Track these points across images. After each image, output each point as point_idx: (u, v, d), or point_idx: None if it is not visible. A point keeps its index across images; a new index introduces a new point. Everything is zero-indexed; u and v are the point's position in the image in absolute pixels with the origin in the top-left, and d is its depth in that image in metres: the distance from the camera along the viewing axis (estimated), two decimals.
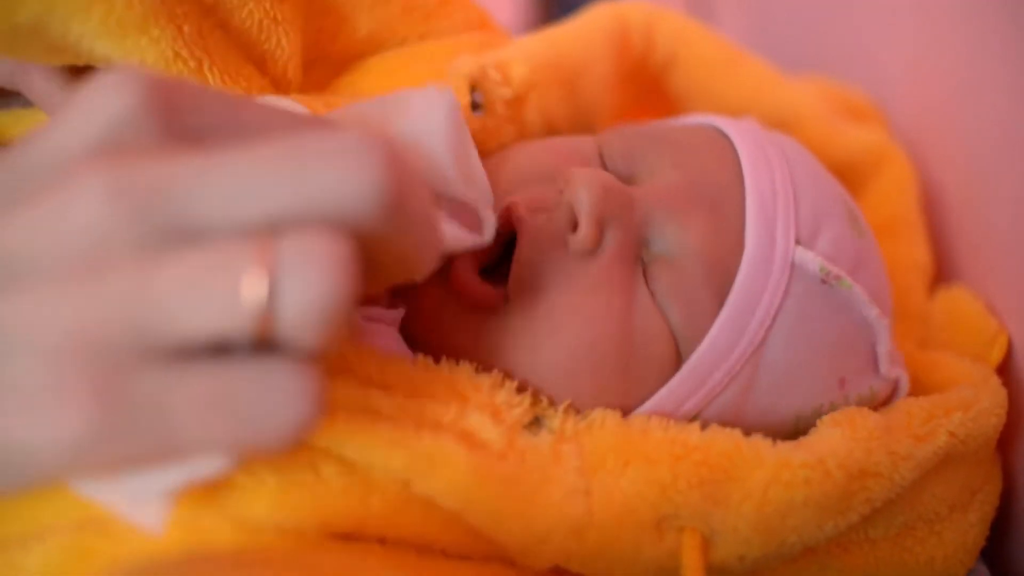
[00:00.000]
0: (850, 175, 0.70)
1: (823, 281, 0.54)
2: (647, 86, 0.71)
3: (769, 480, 0.49)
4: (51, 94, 0.53)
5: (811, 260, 0.53)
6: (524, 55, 0.62)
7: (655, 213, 0.53)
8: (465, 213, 0.50)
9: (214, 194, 0.35)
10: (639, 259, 0.53)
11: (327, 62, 0.62)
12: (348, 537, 0.46)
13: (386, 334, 0.53)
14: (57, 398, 0.34)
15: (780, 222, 0.54)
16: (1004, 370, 0.60)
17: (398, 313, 0.54)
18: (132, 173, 0.35)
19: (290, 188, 0.35)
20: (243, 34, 0.55)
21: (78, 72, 0.54)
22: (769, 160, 0.56)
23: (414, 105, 0.49)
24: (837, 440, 0.51)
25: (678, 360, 0.52)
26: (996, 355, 0.60)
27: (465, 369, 0.50)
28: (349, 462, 0.45)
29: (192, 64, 0.51)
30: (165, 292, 0.34)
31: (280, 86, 0.58)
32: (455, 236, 0.48)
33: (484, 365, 0.51)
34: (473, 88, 0.59)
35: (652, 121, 0.64)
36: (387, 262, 0.39)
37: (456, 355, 0.51)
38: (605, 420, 0.50)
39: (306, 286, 0.34)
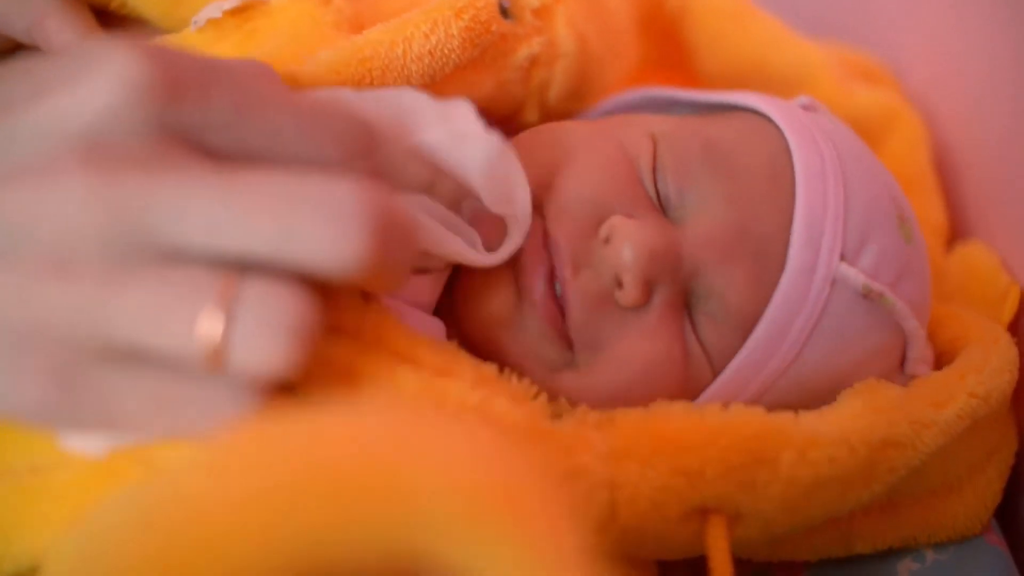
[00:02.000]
0: (862, 134, 0.68)
1: (865, 296, 0.53)
2: (664, 33, 0.70)
3: (796, 460, 0.48)
4: (67, 48, 0.53)
5: (853, 277, 0.52)
6: None
7: (701, 265, 0.52)
8: (490, 225, 0.51)
9: (194, 221, 0.36)
10: (687, 305, 0.53)
11: None
12: None
13: (423, 319, 0.53)
14: (18, 374, 0.36)
15: (827, 238, 0.53)
16: (1016, 326, 0.60)
17: (433, 295, 0.54)
18: (116, 180, 0.36)
19: (272, 236, 0.36)
20: None
21: (97, 26, 0.54)
22: (824, 167, 0.55)
23: (457, 114, 0.49)
24: (859, 412, 0.50)
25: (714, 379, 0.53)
26: (1008, 309, 0.61)
27: (491, 366, 0.49)
28: None
29: None
30: (128, 307, 0.36)
31: None
32: (458, 251, 0.49)
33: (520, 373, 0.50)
34: None
35: (708, 122, 0.59)
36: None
37: (500, 362, 0.50)
38: (629, 411, 0.49)
39: (260, 336, 0.35)
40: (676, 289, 0.52)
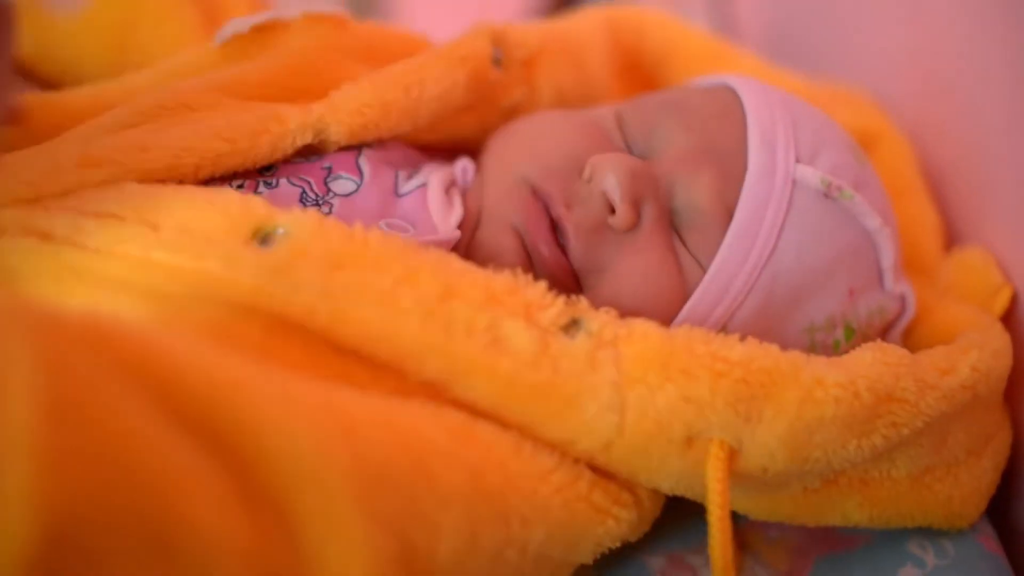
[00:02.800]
0: None
1: (826, 195, 0.57)
2: (644, 78, 0.76)
3: (803, 398, 0.49)
4: None
5: (812, 175, 0.57)
6: (536, 27, 0.68)
7: (674, 181, 0.57)
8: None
9: None
10: (672, 224, 0.57)
11: None
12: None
13: (432, 228, 0.57)
14: None
15: (780, 144, 0.57)
16: (1010, 325, 0.60)
17: (453, 235, 0.56)
18: None
19: None
20: None
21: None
22: (770, 100, 0.60)
23: None
24: (869, 362, 0.52)
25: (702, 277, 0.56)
26: (999, 305, 0.61)
27: (505, 274, 0.50)
28: None
29: None
30: None
31: None
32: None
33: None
34: (494, 44, 0.64)
35: (667, 88, 0.66)
36: None
37: None
38: (648, 331, 0.50)
39: None
40: (660, 207, 0.56)
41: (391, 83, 0.59)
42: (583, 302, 0.51)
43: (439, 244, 0.54)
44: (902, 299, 0.61)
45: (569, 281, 0.55)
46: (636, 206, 0.55)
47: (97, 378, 0.35)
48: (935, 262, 0.68)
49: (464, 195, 0.60)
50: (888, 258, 0.60)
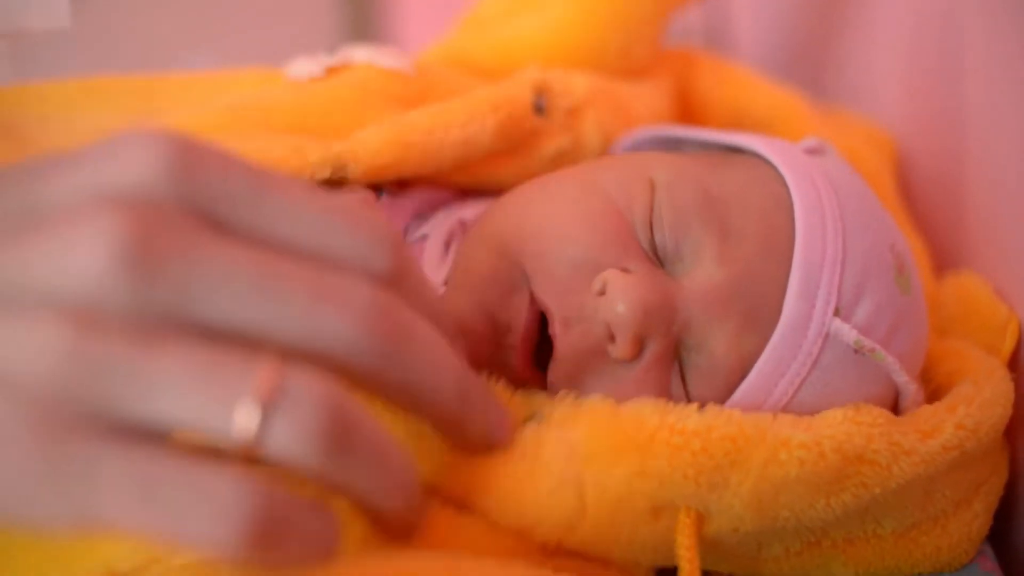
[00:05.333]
0: None
1: (856, 351, 0.53)
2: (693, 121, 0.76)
3: (767, 459, 0.49)
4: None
5: (847, 333, 0.53)
6: (585, 76, 0.67)
7: (693, 320, 0.52)
8: None
9: (231, 296, 0.35)
10: (677, 356, 0.53)
11: None
12: None
13: None
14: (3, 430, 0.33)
15: (822, 293, 0.53)
16: (1016, 357, 0.61)
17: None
18: (151, 237, 0.35)
19: (305, 308, 0.36)
20: None
21: None
22: (824, 219, 0.54)
23: None
24: (838, 421, 0.51)
25: None
26: (1008, 343, 0.61)
27: None
28: None
29: None
30: (158, 377, 0.34)
31: None
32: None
33: None
34: (538, 93, 0.64)
35: (711, 168, 0.59)
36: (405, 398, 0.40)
37: None
38: (597, 407, 0.50)
39: (295, 428, 0.35)
40: (668, 342, 0.52)
41: (412, 127, 0.58)
42: (540, 396, 0.51)
43: None
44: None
45: (532, 385, 0.53)
46: (641, 342, 0.52)
47: None
48: (929, 288, 0.68)
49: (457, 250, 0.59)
50: (908, 400, 0.56)
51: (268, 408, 0.34)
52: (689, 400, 0.52)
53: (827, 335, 0.52)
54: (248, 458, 0.35)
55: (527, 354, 0.53)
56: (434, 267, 0.58)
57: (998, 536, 0.60)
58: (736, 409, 0.50)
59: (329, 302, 0.37)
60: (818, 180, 0.56)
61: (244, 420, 0.34)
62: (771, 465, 0.49)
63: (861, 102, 0.84)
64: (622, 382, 0.52)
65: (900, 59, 0.80)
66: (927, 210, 0.74)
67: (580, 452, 0.48)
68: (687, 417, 0.49)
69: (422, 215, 0.61)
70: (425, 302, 0.41)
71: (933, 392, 0.59)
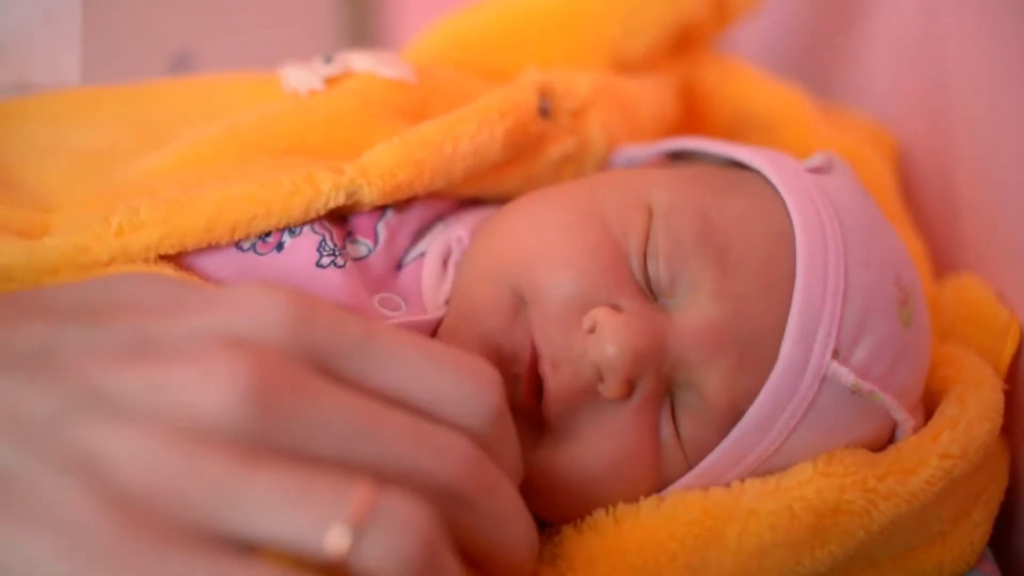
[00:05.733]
0: None
1: (853, 392, 0.52)
2: (696, 124, 0.75)
3: (740, 531, 0.50)
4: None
5: (845, 376, 0.51)
6: (588, 75, 0.65)
7: (686, 358, 0.51)
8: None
9: (335, 435, 0.39)
10: (668, 393, 0.53)
11: None
12: None
13: None
14: (87, 540, 0.36)
15: (820, 335, 0.51)
16: (1017, 360, 0.61)
17: (439, 314, 0.56)
18: (271, 379, 0.38)
19: (403, 453, 0.40)
20: None
21: None
22: (827, 252, 0.53)
23: None
24: (808, 478, 0.51)
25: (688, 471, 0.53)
26: (1009, 347, 0.61)
27: None
28: None
29: None
30: (256, 492, 0.37)
31: None
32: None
33: None
34: (542, 95, 0.62)
35: (712, 193, 0.57)
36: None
37: None
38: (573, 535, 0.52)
39: (389, 554, 0.37)
40: (659, 381, 0.52)
41: (423, 142, 0.57)
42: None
43: (425, 326, 0.54)
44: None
45: (530, 421, 0.52)
46: (632, 383, 0.51)
47: None
48: (930, 292, 0.67)
49: (457, 270, 0.58)
50: (904, 433, 0.55)
51: (360, 528, 0.37)
52: (680, 440, 0.52)
53: (824, 378, 0.51)
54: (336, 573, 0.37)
55: (532, 385, 0.52)
56: (433, 287, 0.58)
57: (997, 539, 0.60)
58: (697, 491, 0.51)
59: (427, 446, 0.40)
60: (822, 209, 0.54)
61: (336, 540, 0.36)
62: (745, 536, 0.50)
63: (861, 102, 0.84)
64: (616, 420, 0.52)
65: (900, 59, 0.79)
66: (927, 211, 0.74)
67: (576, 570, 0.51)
68: (648, 509, 0.51)
69: (420, 229, 0.60)
70: (511, 452, 0.45)
71: (926, 397, 0.58)
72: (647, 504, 0.51)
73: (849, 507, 0.50)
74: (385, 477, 0.39)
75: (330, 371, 0.41)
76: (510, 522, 0.43)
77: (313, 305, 0.41)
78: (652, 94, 0.70)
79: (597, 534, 0.51)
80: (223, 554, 0.36)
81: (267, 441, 0.38)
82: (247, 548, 0.37)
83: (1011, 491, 0.60)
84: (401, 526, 0.37)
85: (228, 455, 0.37)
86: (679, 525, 0.50)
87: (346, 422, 0.39)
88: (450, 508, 0.40)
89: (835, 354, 0.51)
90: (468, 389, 0.43)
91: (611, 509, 0.52)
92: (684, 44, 0.74)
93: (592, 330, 0.51)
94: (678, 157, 0.66)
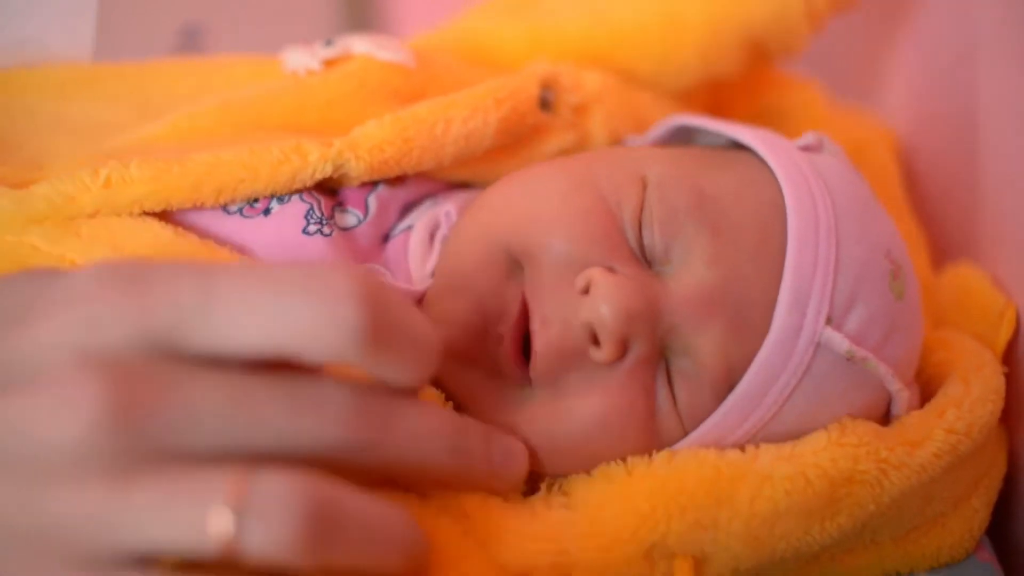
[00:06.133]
0: None
1: (848, 360, 0.52)
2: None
3: (753, 495, 0.49)
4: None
5: (838, 342, 0.52)
6: (599, 73, 0.65)
7: (680, 323, 0.52)
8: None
9: (210, 428, 0.38)
10: (663, 358, 0.53)
11: None
12: None
13: None
14: None
15: (813, 302, 0.52)
16: (1014, 344, 0.61)
17: (425, 286, 0.56)
18: (129, 388, 0.38)
19: (278, 423, 0.39)
20: None
21: None
22: (818, 224, 0.53)
23: None
24: (822, 446, 0.51)
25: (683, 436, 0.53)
26: (1005, 331, 0.61)
27: None
28: None
29: None
30: (135, 506, 0.37)
31: None
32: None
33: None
34: (544, 87, 0.62)
35: (705, 165, 0.58)
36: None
37: (468, 408, 0.53)
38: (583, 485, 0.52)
39: (273, 525, 0.37)
40: (652, 344, 0.52)
41: (415, 121, 0.57)
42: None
43: (411, 297, 0.55)
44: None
45: (519, 379, 0.53)
46: (625, 345, 0.51)
47: None
48: (927, 278, 0.68)
49: (445, 241, 0.59)
50: (900, 405, 0.56)
51: (240, 509, 0.37)
52: (676, 405, 0.52)
53: (818, 344, 0.52)
54: (235, 566, 0.37)
55: (517, 344, 0.53)
56: (420, 258, 0.58)
57: (995, 526, 0.60)
58: (712, 450, 0.51)
59: (301, 408, 0.40)
60: (814, 184, 0.55)
61: (218, 525, 0.36)
62: (758, 500, 0.50)
63: (874, 97, 0.84)
64: (605, 384, 0.52)
65: (914, 55, 0.79)
66: (938, 205, 0.74)
67: (574, 537, 0.50)
68: (659, 462, 0.51)
69: (409, 205, 0.61)
70: (406, 319, 0.42)
71: (926, 382, 0.58)
72: (660, 456, 0.51)
73: (862, 477, 0.51)
74: (266, 452, 0.38)
75: (184, 350, 0.39)
76: (414, 440, 0.43)
77: (140, 280, 0.40)
78: (668, 105, 0.69)
79: (607, 480, 0.51)
80: (121, 571, 0.37)
81: (139, 451, 0.38)
82: (148, 559, 0.37)
83: (1009, 480, 0.60)
84: (276, 504, 0.37)
85: (100, 480, 0.37)
86: (691, 480, 0.49)
87: (214, 408, 0.38)
88: (348, 456, 0.41)
89: (828, 321, 0.52)
90: (321, 311, 0.39)
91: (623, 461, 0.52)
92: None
93: (586, 290, 0.51)
94: (673, 139, 0.65)
